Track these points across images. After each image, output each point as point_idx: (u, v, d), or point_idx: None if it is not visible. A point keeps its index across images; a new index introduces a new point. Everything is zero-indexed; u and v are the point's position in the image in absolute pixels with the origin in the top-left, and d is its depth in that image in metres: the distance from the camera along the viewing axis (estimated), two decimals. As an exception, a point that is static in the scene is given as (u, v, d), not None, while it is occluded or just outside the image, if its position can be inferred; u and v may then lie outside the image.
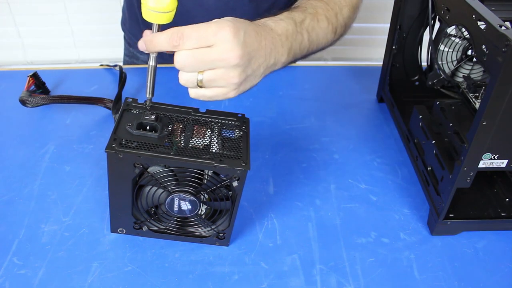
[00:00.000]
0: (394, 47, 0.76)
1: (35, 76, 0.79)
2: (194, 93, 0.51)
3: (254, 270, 0.55)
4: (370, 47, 1.81)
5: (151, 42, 0.48)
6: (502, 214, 0.61)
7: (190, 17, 0.86)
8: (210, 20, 0.70)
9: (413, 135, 0.69)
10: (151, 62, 0.51)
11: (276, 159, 0.71)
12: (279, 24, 0.56)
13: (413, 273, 0.55)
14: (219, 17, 0.85)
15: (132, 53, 1.03)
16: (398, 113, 0.75)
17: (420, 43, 0.76)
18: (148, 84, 0.52)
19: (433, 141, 0.61)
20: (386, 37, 0.78)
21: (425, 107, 0.67)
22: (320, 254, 0.57)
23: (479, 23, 0.50)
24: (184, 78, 0.50)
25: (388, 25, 0.76)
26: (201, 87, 0.50)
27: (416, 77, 0.79)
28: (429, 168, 0.63)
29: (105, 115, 0.78)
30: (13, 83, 0.84)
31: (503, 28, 0.45)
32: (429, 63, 0.71)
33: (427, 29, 0.69)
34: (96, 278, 0.53)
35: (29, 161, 0.69)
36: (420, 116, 0.66)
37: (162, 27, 0.49)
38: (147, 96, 0.52)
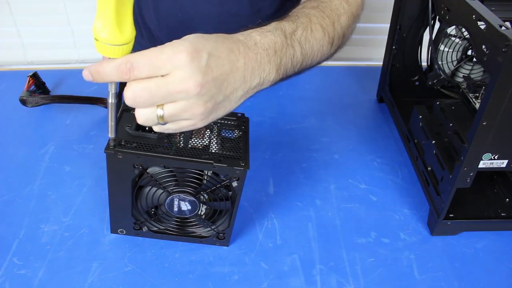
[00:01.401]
0: (394, 47, 0.76)
1: (35, 76, 0.79)
2: (158, 129, 0.44)
3: (254, 270, 0.55)
4: (370, 47, 1.81)
5: (98, 73, 0.41)
6: (502, 214, 0.60)
7: (192, 26, 0.86)
8: (213, 28, 0.62)
9: (413, 135, 0.69)
10: (111, 99, 0.44)
11: (276, 159, 0.71)
12: (265, 37, 0.48)
13: (413, 273, 0.55)
14: (222, 24, 0.83)
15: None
16: (398, 113, 0.75)
17: (420, 43, 0.76)
18: (110, 123, 0.46)
19: (433, 141, 0.61)
20: (386, 37, 0.78)
21: (425, 107, 0.67)
22: (320, 254, 0.57)
23: (479, 23, 0.50)
24: (142, 117, 0.42)
25: (388, 25, 0.76)
26: (164, 123, 0.43)
27: (416, 77, 0.79)
28: (429, 168, 0.63)
29: (105, 115, 0.78)
30: (13, 83, 0.84)
31: (503, 28, 0.45)
32: (429, 63, 0.71)
33: (427, 29, 0.69)
34: (96, 278, 0.53)
35: (29, 161, 0.69)
36: (420, 116, 0.66)
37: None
38: (110, 136, 0.47)
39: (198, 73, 0.40)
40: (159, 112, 0.41)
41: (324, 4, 0.60)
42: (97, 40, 0.40)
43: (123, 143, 0.48)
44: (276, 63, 0.49)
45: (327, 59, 0.61)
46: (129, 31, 0.40)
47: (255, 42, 0.47)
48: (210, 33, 0.65)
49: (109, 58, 0.41)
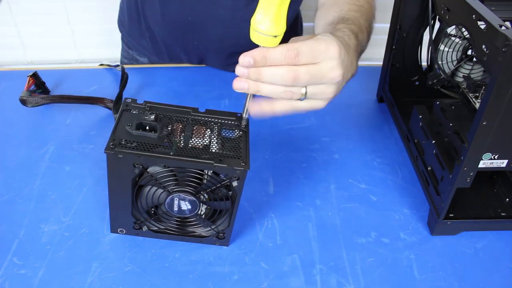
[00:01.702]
0: (394, 47, 0.76)
1: (35, 76, 0.79)
2: (290, 106, 0.50)
3: (254, 270, 0.55)
4: (370, 47, 1.81)
5: (264, 57, 0.46)
6: (502, 214, 0.61)
7: (201, 29, 0.87)
8: (223, 32, 0.77)
9: (413, 135, 0.69)
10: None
11: (276, 159, 0.71)
12: (351, 40, 0.58)
13: (413, 273, 0.55)
14: (232, 29, 0.87)
15: (132, 56, 1.03)
16: (398, 113, 0.75)
17: (420, 43, 0.76)
18: (246, 105, 0.51)
19: (433, 141, 0.61)
20: (386, 37, 0.78)
21: (425, 107, 0.67)
22: (320, 254, 0.57)
23: (479, 23, 0.50)
24: (291, 91, 0.49)
25: (388, 25, 0.76)
26: (303, 98, 0.50)
27: (416, 77, 0.79)
28: (429, 168, 0.63)
29: (105, 115, 0.78)
30: (13, 83, 0.84)
31: (503, 28, 0.45)
32: (429, 63, 0.71)
33: (427, 29, 0.69)
34: (96, 278, 0.53)
35: (29, 161, 0.69)
36: (420, 116, 0.66)
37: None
38: (244, 116, 0.52)
39: (342, 65, 0.49)
40: (303, 90, 0.49)
41: (363, 9, 0.71)
42: (255, 30, 0.46)
43: (123, 142, 0.48)
44: (356, 60, 0.59)
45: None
46: (283, 25, 0.46)
47: (347, 44, 0.56)
48: (219, 37, 0.70)
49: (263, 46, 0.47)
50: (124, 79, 0.83)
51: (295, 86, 0.48)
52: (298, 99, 0.50)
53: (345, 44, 0.54)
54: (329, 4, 0.75)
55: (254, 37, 0.47)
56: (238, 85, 0.49)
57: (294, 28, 1.00)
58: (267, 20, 0.45)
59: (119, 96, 0.79)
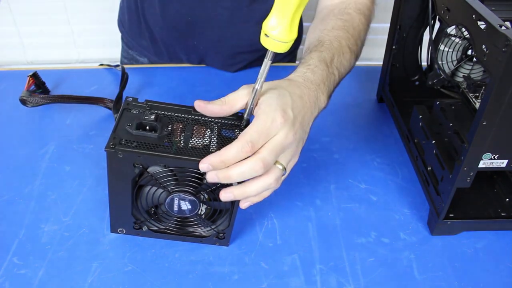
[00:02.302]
0: (394, 47, 0.76)
1: (35, 76, 0.79)
2: (280, 181, 0.51)
3: (254, 270, 0.55)
4: (370, 47, 1.81)
5: (222, 162, 0.47)
6: (502, 214, 0.61)
7: (200, 29, 0.87)
8: (221, 32, 0.79)
9: (413, 135, 0.69)
10: (257, 86, 0.49)
11: (276, 159, 0.71)
12: (316, 73, 0.58)
13: (413, 273, 0.55)
14: (230, 29, 0.88)
15: (132, 56, 1.03)
16: (398, 113, 0.76)
17: (420, 43, 0.76)
18: (249, 106, 0.51)
19: (433, 141, 0.61)
20: (386, 37, 0.78)
21: (425, 107, 0.67)
22: (320, 254, 0.57)
23: (479, 23, 0.50)
24: (275, 181, 0.50)
25: (388, 25, 0.76)
26: (285, 172, 0.52)
27: (416, 77, 0.79)
28: (429, 168, 0.63)
29: (105, 115, 0.78)
30: (13, 83, 0.84)
31: (503, 28, 0.45)
32: (429, 63, 0.71)
33: (427, 29, 0.69)
34: (96, 278, 0.53)
35: (29, 161, 0.69)
36: (420, 116, 0.66)
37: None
38: (245, 116, 0.52)
39: (292, 126, 0.49)
40: (280, 166, 0.50)
41: (348, 24, 0.69)
42: (267, 35, 0.46)
43: (123, 142, 0.48)
44: (326, 91, 0.59)
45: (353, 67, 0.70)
46: (295, 31, 0.47)
47: (311, 81, 0.56)
48: (219, 37, 0.70)
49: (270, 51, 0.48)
50: (124, 79, 0.83)
51: (271, 171, 0.49)
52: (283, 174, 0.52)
53: (303, 85, 0.55)
54: (321, 16, 0.75)
55: (265, 42, 0.47)
56: (225, 197, 0.50)
57: None
58: (282, 26, 0.45)
59: (119, 96, 0.79)
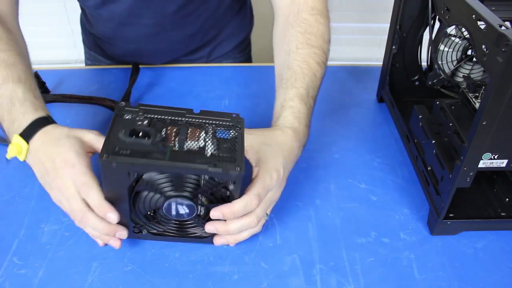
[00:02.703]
0: (394, 47, 0.76)
1: (35, 76, 0.79)
2: (260, 225, 0.57)
3: (254, 270, 0.55)
4: (370, 47, 1.81)
5: (232, 213, 0.51)
6: (502, 214, 0.61)
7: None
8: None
9: (413, 135, 0.69)
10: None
11: (276, 159, 0.71)
12: (301, 120, 0.62)
13: (413, 273, 0.55)
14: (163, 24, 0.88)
15: (94, 57, 1.02)
16: (398, 113, 0.76)
17: (420, 43, 0.76)
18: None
19: (433, 141, 0.61)
20: (386, 37, 0.78)
21: (425, 107, 0.67)
22: (320, 254, 0.57)
23: (479, 23, 0.50)
24: (260, 226, 0.56)
25: (388, 25, 0.76)
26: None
27: (416, 77, 0.79)
28: (429, 168, 0.63)
29: (106, 115, 0.78)
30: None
31: (503, 28, 0.45)
32: (429, 63, 0.71)
33: (427, 29, 0.69)
34: (96, 278, 0.53)
35: (29, 161, 0.69)
36: (420, 116, 0.66)
37: None
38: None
39: (281, 184, 0.57)
40: (266, 217, 0.57)
41: (310, 35, 0.69)
42: None
43: (117, 149, 0.47)
44: (308, 131, 0.64)
45: None
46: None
47: (298, 132, 0.61)
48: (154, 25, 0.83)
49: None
50: (134, 75, 0.84)
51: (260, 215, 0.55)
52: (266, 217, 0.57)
53: (294, 139, 0.60)
54: (280, 27, 0.73)
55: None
56: (219, 242, 0.55)
57: (243, 12, 1.00)
58: None
59: (128, 91, 0.80)
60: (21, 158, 0.55)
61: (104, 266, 0.55)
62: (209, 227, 0.53)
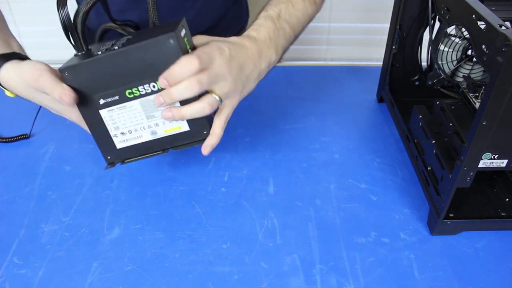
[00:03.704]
0: (394, 47, 0.76)
1: None
2: (208, 103, 0.55)
3: (254, 270, 0.55)
4: (370, 47, 1.81)
5: (170, 74, 0.51)
6: (502, 214, 0.61)
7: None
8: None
9: (413, 135, 0.69)
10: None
11: (276, 159, 0.71)
12: (260, 31, 0.62)
13: (413, 273, 0.55)
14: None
15: None
16: (398, 113, 0.76)
17: (420, 43, 0.76)
18: None
19: (433, 141, 0.61)
20: (386, 37, 0.78)
21: (425, 107, 0.67)
22: (320, 254, 0.57)
23: (479, 23, 0.50)
24: (210, 106, 0.54)
25: (388, 25, 0.76)
26: (221, 101, 0.57)
27: (416, 77, 0.79)
28: (429, 168, 0.63)
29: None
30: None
31: (503, 28, 0.45)
32: (429, 63, 0.71)
33: (427, 29, 0.69)
34: (96, 278, 0.53)
35: (29, 161, 0.69)
36: (420, 116, 0.66)
37: None
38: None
39: (227, 62, 0.55)
40: (216, 96, 0.55)
41: None
42: None
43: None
44: (274, 47, 0.63)
45: (314, 16, 0.72)
46: None
47: (254, 38, 0.61)
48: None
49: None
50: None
51: (206, 98, 0.54)
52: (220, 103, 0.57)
53: (246, 40, 0.60)
54: None
55: None
56: (165, 115, 0.55)
57: (239, 3, 1.00)
58: None
59: None
60: None
61: (104, 266, 0.55)
62: (156, 99, 0.53)
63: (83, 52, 0.56)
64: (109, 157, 0.61)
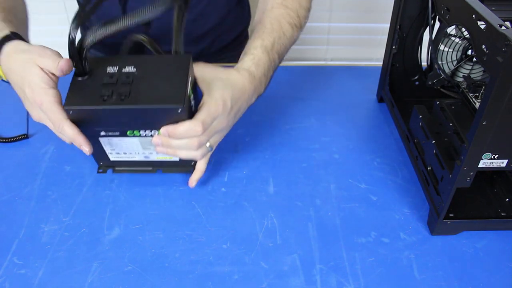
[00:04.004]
0: (394, 47, 0.76)
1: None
2: (202, 154, 0.59)
3: (254, 270, 0.55)
4: (370, 47, 1.81)
5: (174, 133, 0.55)
6: (502, 214, 0.61)
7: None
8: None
9: (413, 135, 0.69)
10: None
11: (276, 159, 0.71)
12: (259, 67, 0.64)
13: (413, 273, 0.55)
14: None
15: (93, 54, 1.02)
16: (398, 113, 0.76)
17: (420, 43, 0.76)
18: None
19: (433, 141, 0.61)
20: (386, 37, 0.78)
21: (425, 107, 0.67)
22: (320, 254, 0.57)
23: (479, 23, 0.50)
24: (202, 154, 0.59)
25: (388, 25, 0.76)
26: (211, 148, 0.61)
27: (416, 77, 0.79)
28: (429, 168, 0.63)
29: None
30: (13, 83, 0.84)
31: (503, 28, 0.45)
32: (429, 63, 0.71)
33: (427, 29, 0.69)
34: (96, 278, 0.53)
35: (29, 161, 0.69)
36: (420, 116, 0.66)
37: None
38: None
39: (227, 115, 0.59)
40: (207, 144, 0.59)
41: (289, 0, 0.72)
42: None
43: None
44: (265, 81, 0.66)
45: (296, 40, 0.75)
46: None
47: (254, 76, 0.63)
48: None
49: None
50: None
51: (202, 147, 0.58)
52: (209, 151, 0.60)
53: (246, 80, 0.62)
54: None
55: None
56: (160, 150, 0.58)
57: (241, 4, 1.01)
58: None
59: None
60: None
61: (104, 266, 0.55)
62: (154, 139, 0.56)
63: (85, 78, 0.55)
64: (101, 163, 0.64)
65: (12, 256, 0.56)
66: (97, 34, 0.52)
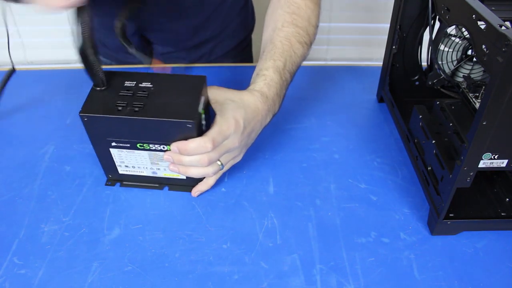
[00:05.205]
0: (394, 47, 0.76)
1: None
2: (213, 171, 0.60)
3: (254, 270, 0.55)
4: (370, 47, 1.81)
5: (184, 149, 0.56)
6: (502, 214, 0.61)
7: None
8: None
9: (413, 135, 0.69)
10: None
11: (276, 159, 0.71)
12: (271, 87, 0.65)
13: (413, 273, 0.55)
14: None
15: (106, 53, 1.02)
16: (398, 113, 0.76)
17: (420, 43, 0.76)
18: None
19: (433, 141, 0.61)
20: (386, 37, 0.78)
21: (425, 107, 0.67)
22: (320, 254, 0.57)
23: (479, 23, 0.50)
24: (213, 172, 0.60)
25: (388, 25, 0.76)
26: (223, 167, 0.61)
27: (416, 77, 0.79)
28: (429, 168, 0.63)
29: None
30: (14, 83, 0.84)
31: (503, 28, 0.45)
32: (429, 63, 0.71)
33: (427, 29, 0.69)
34: (96, 278, 0.53)
35: (29, 161, 0.69)
36: (420, 116, 0.66)
37: None
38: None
39: (240, 135, 0.59)
40: (219, 162, 0.60)
41: (297, 17, 0.72)
42: None
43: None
44: (279, 101, 0.67)
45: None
46: None
47: (266, 96, 0.64)
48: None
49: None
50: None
51: (213, 164, 0.59)
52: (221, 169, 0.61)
53: (259, 101, 0.62)
54: (271, 9, 0.77)
55: None
56: (172, 168, 0.59)
57: (245, 10, 1.01)
58: None
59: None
60: None
61: (104, 266, 0.55)
62: (166, 156, 0.58)
63: (103, 89, 0.58)
64: (110, 176, 0.65)
65: (12, 256, 0.56)
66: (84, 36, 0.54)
